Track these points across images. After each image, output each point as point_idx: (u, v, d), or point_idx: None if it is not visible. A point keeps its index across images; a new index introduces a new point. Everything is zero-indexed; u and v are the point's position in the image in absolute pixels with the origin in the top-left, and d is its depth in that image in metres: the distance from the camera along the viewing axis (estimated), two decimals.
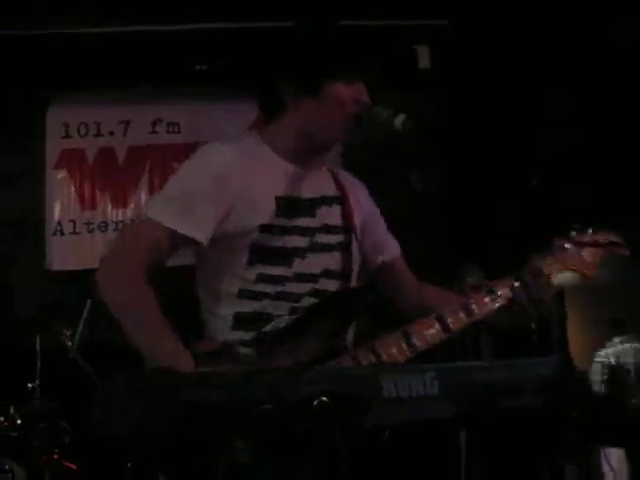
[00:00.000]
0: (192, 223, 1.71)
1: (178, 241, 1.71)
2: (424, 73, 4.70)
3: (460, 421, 1.09)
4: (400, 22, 4.71)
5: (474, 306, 1.79)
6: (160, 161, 4.85)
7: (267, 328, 1.72)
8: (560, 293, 1.95)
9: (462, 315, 1.76)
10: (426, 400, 1.08)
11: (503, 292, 1.82)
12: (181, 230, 1.70)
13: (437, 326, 1.73)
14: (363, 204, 1.99)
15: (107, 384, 0.97)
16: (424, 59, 4.75)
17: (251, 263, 1.76)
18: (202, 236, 1.71)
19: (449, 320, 1.74)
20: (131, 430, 0.98)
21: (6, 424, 3.01)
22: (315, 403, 0.98)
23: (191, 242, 1.72)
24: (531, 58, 4.49)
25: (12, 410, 3.09)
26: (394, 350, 1.67)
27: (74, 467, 3.30)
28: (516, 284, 1.82)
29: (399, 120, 1.77)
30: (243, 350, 1.70)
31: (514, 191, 4.58)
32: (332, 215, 1.89)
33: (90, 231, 4.80)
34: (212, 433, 1.06)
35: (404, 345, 1.69)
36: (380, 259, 1.97)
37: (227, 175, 1.74)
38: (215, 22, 4.61)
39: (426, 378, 1.09)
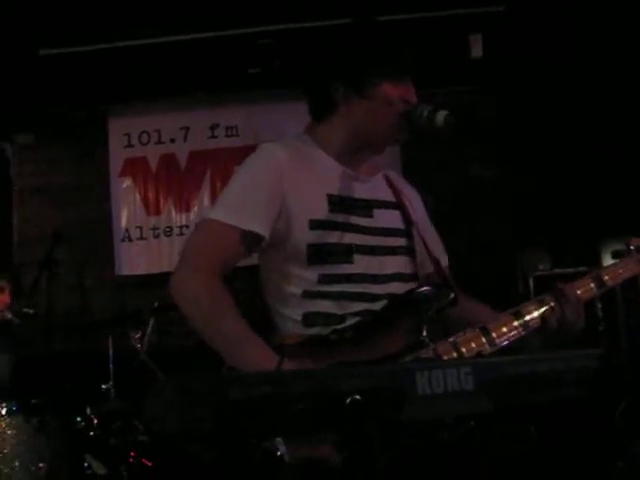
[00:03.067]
0: (253, 219, 1.72)
1: (244, 239, 1.74)
2: (476, 62, 4.66)
3: (496, 417, 1.08)
4: (453, 11, 4.67)
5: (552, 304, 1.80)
6: (220, 164, 4.96)
7: (341, 326, 1.72)
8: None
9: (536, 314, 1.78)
10: (461, 395, 1.09)
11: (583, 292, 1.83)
12: (243, 226, 1.72)
13: (515, 323, 1.75)
14: (417, 210, 1.98)
15: (157, 384, 1.02)
16: (477, 48, 4.70)
17: (312, 263, 1.76)
18: (263, 230, 1.73)
19: (527, 318, 1.76)
20: (178, 428, 1.03)
21: (83, 424, 3.14)
22: (348, 401, 1.02)
23: (255, 237, 1.74)
24: (590, 45, 4.39)
25: (89, 410, 3.21)
26: (474, 345, 1.68)
27: (149, 464, 3.40)
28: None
29: (441, 116, 1.77)
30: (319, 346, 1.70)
31: (580, 177, 4.52)
32: (393, 219, 1.89)
33: (156, 236, 4.95)
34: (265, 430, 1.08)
35: (484, 340, 1.70)
36: (429, 267, 1.93)
37: (280, 174, 1.77)
38: (267, 25, 4.67)
39: (461, 373, 1.10)
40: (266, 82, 4.83)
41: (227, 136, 4.99)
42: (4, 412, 2.93)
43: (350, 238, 1.80)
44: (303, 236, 1.77)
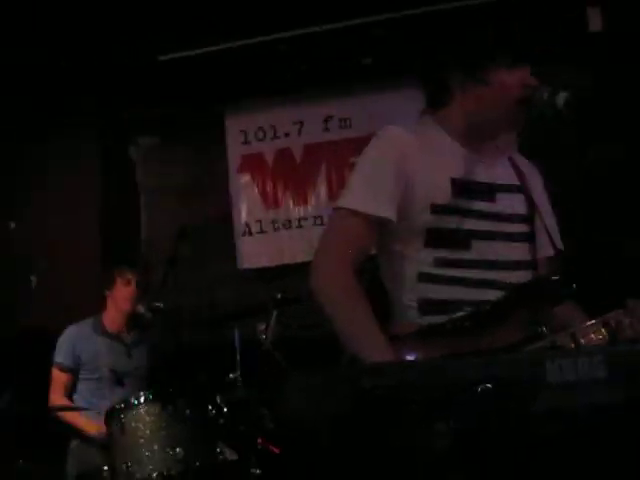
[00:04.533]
0: (381, 204, 1.75)
1: (375, 225, 1.77)
2: (595, 37, 4.48)
3: (630, 406, 1.05)
4: None
5: None
6: (335, 156, 5.01)
7: (457, 315, 1.73)
8: None
9: None
10: (594, 384, 1.07)
11: None
12: (374, 212, 1.75)
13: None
14: (540, 194, 1.96)
15: (295, 375, 1.07)
16: (595, 21, 4.53)
17: (428, 246, 1.78)
18: (391, 214, 1.75)
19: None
20: (315, 417, 1.07)
21: (214, 412, 3.28)
22: (479, 390, 1.03)
23: (383, 222, 1.77)
24: None
25: (219, 399, 3.35)
26: (593, 336, 1.67)
27: (276, 451, 3.50)
28: None
29: (561, 98, 1.74)
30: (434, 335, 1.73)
31: None
32: (515, 204, 1.88)
33: (276, 229, 5.06)
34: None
35: (603, 331, 1.68)
36: (547, 253, 1.91)
37: (403, 156, 1.78)
38: (379, 15, 4.67)
39: (593, 361, 1.09)
40: (379, 72, 4.85)
41: (341, 128, 5.03)
42: (142, 400, 3.10)
43: (470, 224, 1.81)
44: (423, 219, 1.79)
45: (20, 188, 5.29)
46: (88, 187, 5.28)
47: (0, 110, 5.00)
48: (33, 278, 5.15)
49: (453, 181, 1.81)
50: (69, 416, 3.70)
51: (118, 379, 3.75)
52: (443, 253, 1.79)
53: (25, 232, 5.20)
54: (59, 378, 3.81)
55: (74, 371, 3.82)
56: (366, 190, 1.77)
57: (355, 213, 1.77)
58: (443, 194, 1.79)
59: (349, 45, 4.82)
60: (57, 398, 3.77)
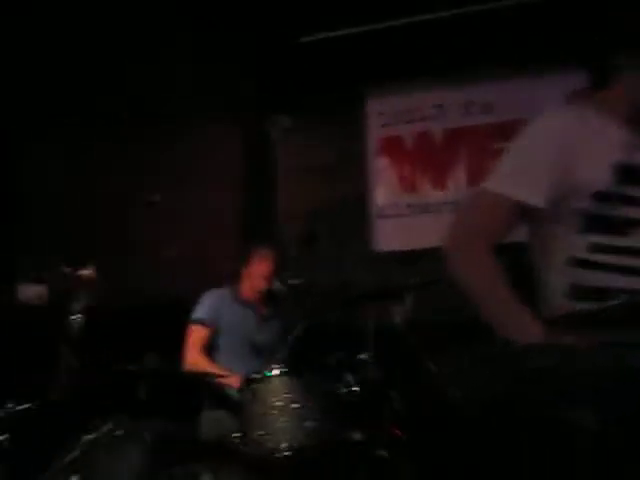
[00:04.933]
0: (526, 188, 1.73)
1: (520, 211, 1.74)
2: None
3: None
4: None
5: None
6: (476, 142, 4.93)
7: (611, 303, 1.68)
8: None
9: None
10: None
11: None
12: (516, 196, 1.72)
13: None
14: None
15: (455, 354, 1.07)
16: None
17: (584, 231, 1.75)
18: (537, 200, 1.73)
19: None
20: (476, 394, 1.07)
21: (345, 390, 3.29)
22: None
23: (532, 210, 1.74)
24: None
25: (350, 378, 3.36)
26: None
27: (401, 434, 3.47)
28: None
29: None
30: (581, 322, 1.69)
31: None
32: None
33: (412, 213, 5.04)
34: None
35: None
36: None
37: (565, 140, 1.74)
38: None
39: None
40: (522, 57, 4.71)
41: (482, 113, 4.94)
42: (276, 372, 3.17)
43: (630, 211, 1.76)
44: (580, 205, 1.75)
45: (165, 163, 5.52)
46: (230, 165, 5.44)
47: (146, 90, 5.24)
48: (173, 249, 5.35)
49: (615, 166, 1.76)
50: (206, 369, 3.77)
51: (255, 349, 3.84)
52: (599, 239, 1.75)
53: (169, 205, 5.43)
54: (197, 334, 3.87)
55: (211, 330, 3.89)
56: (517, 175, 1.75)
57: (502, 197, 1.74)
58: (604, 180, 1.75)
59: (491, 29, 4.72)
60: (194, 352, 3.83)
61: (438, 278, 3.87)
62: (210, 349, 3.95)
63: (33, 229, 5.83)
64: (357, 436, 3.23)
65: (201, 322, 3.89)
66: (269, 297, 4.04)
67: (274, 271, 3.97)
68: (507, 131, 4.75)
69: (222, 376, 3.67)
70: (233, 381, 3.65)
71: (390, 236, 5.07)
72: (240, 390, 3.26)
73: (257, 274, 3.95)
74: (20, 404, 3.39)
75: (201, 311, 3.93)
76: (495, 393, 1.02)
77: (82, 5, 4.75)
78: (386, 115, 5.16)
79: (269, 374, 3.17)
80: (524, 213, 1.77)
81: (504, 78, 4.86)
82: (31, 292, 5.20)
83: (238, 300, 3.98)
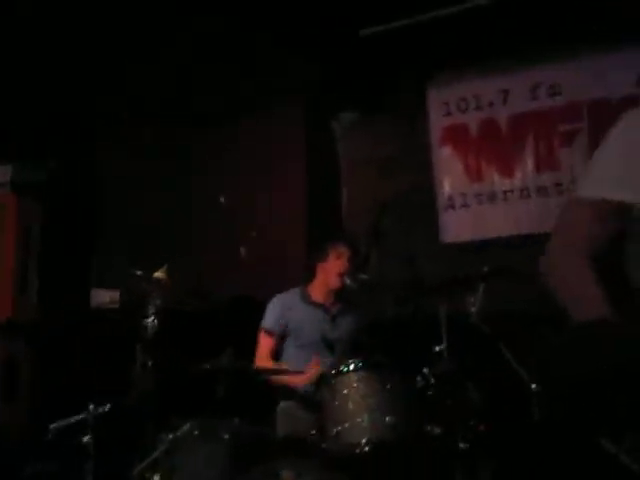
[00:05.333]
0: (623, 188, 1.67)
1: (616, 211, 1.69)
2: None
3: None
4: None
5: None
6: (544, 126, 4.80)
7: None
8: None
9: None
10: None
11: None
12: (627, 199, 1.67)
13: None
14: None
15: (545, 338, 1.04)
16: None
17: None
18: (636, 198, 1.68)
19: None
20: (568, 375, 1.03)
21: (423, 383, 3.27)
22: None
23: (627, 208, 1.69)
24: None
25: (425, 371, 3.33)
26: None
27: (483, 428, 3.41)
28: None
29: None
30: None
31: None
32: None
33: (480, 203, 4.96)
34: None
35: None
36: None
37: None
38: None
39: None
40: (589, 36, 4.56)
41: (549, 95, 4.80)
42: (352, 367, 3.16)
43: None
44: None
45: (229, 162, 5.57)
46: (294, 161, 5.46)
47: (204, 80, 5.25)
48: (243, 249, 5.41)
49: None
50: (274, 377, 3.85)
51: (328, 346, 3.83)
52: None
53: (234, 204, 5.48)
54: (265, 342, 3.95)
55: (280, 337, 3.94)
56: (616, 176, 1.68)
57: (602, 202, 1.68)
58: None
59: (554, 7, 4.57)
60: (262, 360, 3.91)
61: (509, 267, 3.85)
62: (280, 353, 4.00)
63: (106, 233, 5.96)
64: (437, 430, 3.21)
65: (268, 332, 3.95)
66: (340, 294, 4.01)
67: (349, 269, 3.92)
68: (576, 113, 4.65)
69: (291, 373, 3.74)
70: (300, 380, 3.68)
71: (458, 227, 5.01)
72: (316, 386, 3.25)
73: (333, 271, 3.92)
74: (100, 406, 3.48)
75: (267, 319, 3.97)
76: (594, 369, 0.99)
77: None
78: (450, 104, 5.07)
79: (345, 369, 3.16)
80: (624, 215, 1.70)
81: (571, 58, 4.72)
82: (104, 296, 5.33)
83: (307, 301, 3.98)
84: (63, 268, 5.53)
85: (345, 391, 3.10)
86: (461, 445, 3.24)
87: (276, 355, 3.99)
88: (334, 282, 3.92)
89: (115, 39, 4.93)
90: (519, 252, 4.65)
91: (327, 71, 5.28)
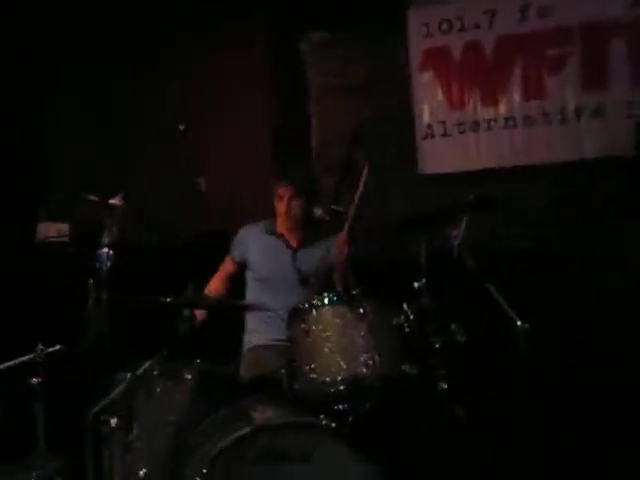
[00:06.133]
0: None
1: None
2: None
3: None
4: None
5: None
6: (532, 50, 4.74)
7: None
8: None
9: None
10: None
11: None
12: None
13: None
14: None
15: None
16: None
17: None
18: None
19: None
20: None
21: (402, 319, 3.15)
22: None
23: None
24: None
25: (405, 307, 3.22)
26: None
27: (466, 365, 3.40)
28: None
29: None
30: None
31: None
32: None
33: (461, 132, 4.91)
34: None
35: None
36: None
37: None
38: None
39: None
40: None
41: (540, 16, 4.70)
42: (327, 301, 3.05)
43: None
44: None
45: (196, 92, 5.44)
46: (257, 87, 5.33)
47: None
48: (202, 181, 5.29)
49: None
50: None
51: (299, 280, 3.77)
52: None
53: (197, 136, 5.34)
54: (225, 265, 4.04)
55: (239, 265, 3.97)
56: None
57: None
58: None
59: None
60: (213, 279, 4.00)
61: (495, 197, 3.81)
62: (242, 284, 3.95)
63: (53, 167, 5.77)
64: (415, 370, 3.13)
65: (230, 256, 3.99)
66: (310, 224, 3.93)
67: (302, 205, 3.85)
68: (567, 36, 4.57)
69: (255, 308, 3.71)
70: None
71: (438, 158, 4.97)
72: (288, 324, 3.15)
73: (280, 211, 3.88)
74: (49, 346, 3.43)
75: (232, 245, 4.00)
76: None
77: None
78: (431, 24, 4.96)
79: (319, 302, 3.05)
80: None
81: None
82: (51, 230, 5.18)
83: (269, 232, 3.93)
84: (6, 204, 5.37)
85: (319, 326, 3.00)
86: (441, 385, 3.22)
87: (236, 283, 3.98)
88: (284, 220, 3.90)
89: None
90: (503, 186, 4.64)
91: None
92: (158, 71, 5.51)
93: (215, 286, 3.98)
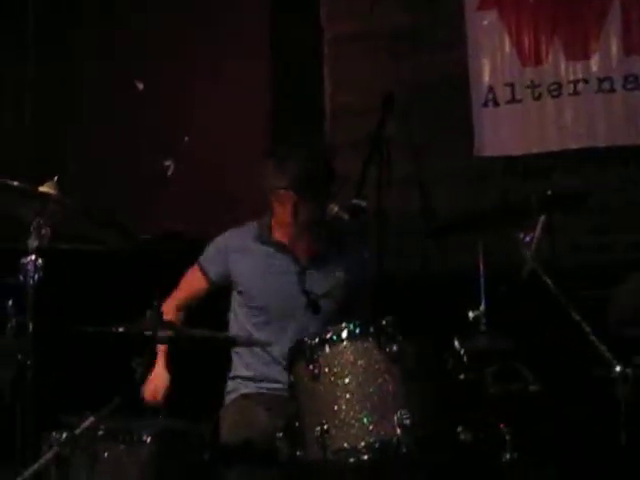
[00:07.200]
0: None
1: None
2: None
3: None
4: None
5: None
6: None
7: None
8: None
9: None
10: None
11: None
12: None
13: None
14: None
15: None
16: None
17: None
18: None
19: None
20: None
21: (449, 361, 3.27)
22: None
23: None
24: None
25: (456, 343, 3.33)
26: None
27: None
28: None
29: None
30: None
31: None
32: None
33: (536, 97, 4.93)
34: None
35: None
36: None
37: None
38: None
39: None
40: None
41: None
42: (345, 334, 3.05)
43: None
44: None
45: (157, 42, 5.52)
46: (255, 37, 5.47)
47: None
48: (170, 163, 5.31)
49: None
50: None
51: (311, 306, 3.72)
52: None
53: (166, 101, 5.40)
54: (191, 282, 3.97)
55: (216, 286, 3.92)
56: None
57: None
58: None
59: None
60: (169, 305, 3.86)
61: (583, 191, 3.80)
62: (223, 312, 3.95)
63: None
64: (470, 434, 3.14)
65: (202, 270, 3.94)
66: (323, 226, 3.88)
67: (312, 209, 3.78)
68: None
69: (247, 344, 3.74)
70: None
71: (503, 134, 4.99)
72: (289, 365, 3.18)
73: (281, 218, 3.85)
74: None
75: (207, 255, 3.96)
76: None
77: None
78: None
79: (335, 337, 3.06)
80: None
81: None
82: None
83: (265, 240, 3.89)
84: None
85: (335, 370, 3.00)
86: (507, 456, 3.25)
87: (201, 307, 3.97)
88: (288, 231, 3.87)
89: None
90: (594, 175, 4.61)
91: None
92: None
93: (170, 313, 3.82)
